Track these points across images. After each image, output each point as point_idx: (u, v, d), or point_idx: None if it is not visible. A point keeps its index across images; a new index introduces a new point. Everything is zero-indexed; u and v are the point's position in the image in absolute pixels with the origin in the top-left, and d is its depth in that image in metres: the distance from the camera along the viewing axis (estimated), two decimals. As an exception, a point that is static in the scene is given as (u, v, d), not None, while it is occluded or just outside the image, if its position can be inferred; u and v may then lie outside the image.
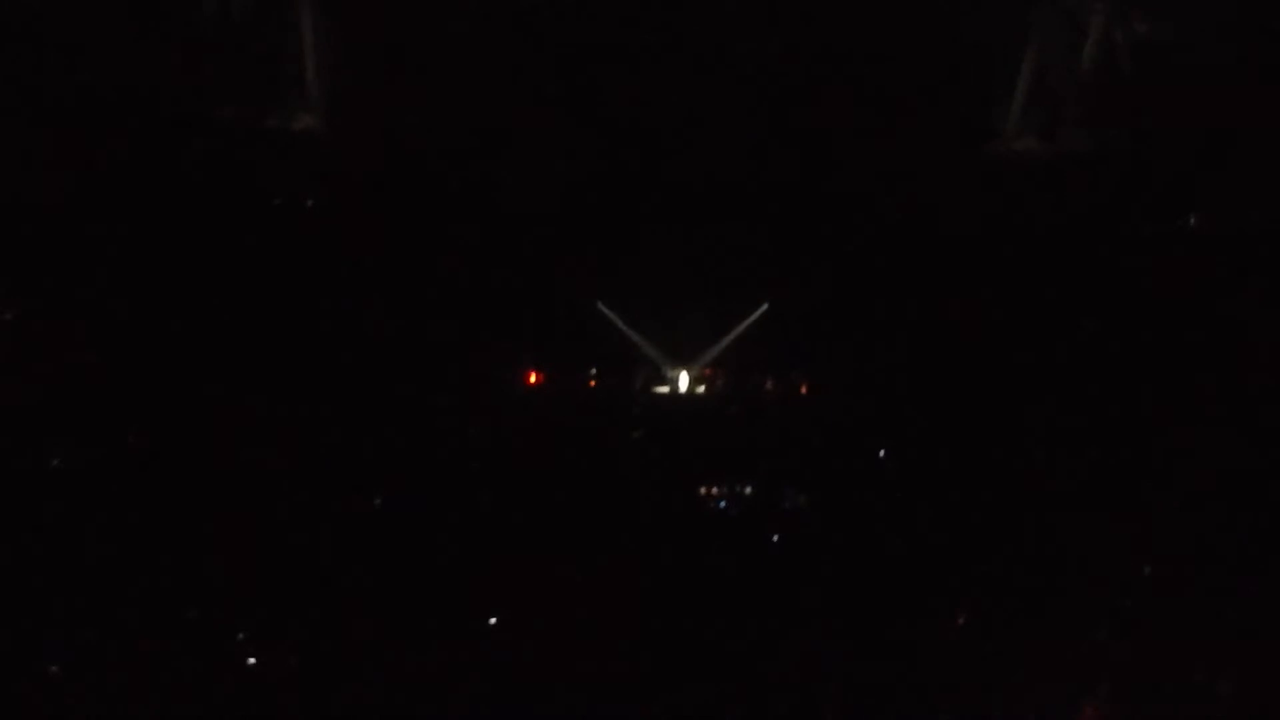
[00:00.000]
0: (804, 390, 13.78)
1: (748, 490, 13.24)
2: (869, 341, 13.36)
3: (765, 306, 13.66)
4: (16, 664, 10.22)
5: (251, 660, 11.15)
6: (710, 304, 13.74)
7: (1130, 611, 11.49)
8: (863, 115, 13.07)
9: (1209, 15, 12.41)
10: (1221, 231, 12.96)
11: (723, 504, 13.23)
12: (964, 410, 12.96)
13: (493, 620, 11.86)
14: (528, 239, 13.50)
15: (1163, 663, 10.87)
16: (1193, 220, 12.89)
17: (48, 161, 12.33)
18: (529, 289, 13.47)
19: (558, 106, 13.43)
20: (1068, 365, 12.87)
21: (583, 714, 11.06)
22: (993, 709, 10.94)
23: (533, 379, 13.76)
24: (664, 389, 13.96)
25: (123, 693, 10.41)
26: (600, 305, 13.66)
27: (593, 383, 13.96)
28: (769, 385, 13.87)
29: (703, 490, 13.30)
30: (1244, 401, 12.19)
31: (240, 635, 11.26)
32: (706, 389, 14.01)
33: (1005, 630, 11.61)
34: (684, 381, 14.00)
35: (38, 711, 10.12)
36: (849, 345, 13.45)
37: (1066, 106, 13.00)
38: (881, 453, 13.22)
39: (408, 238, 13.35)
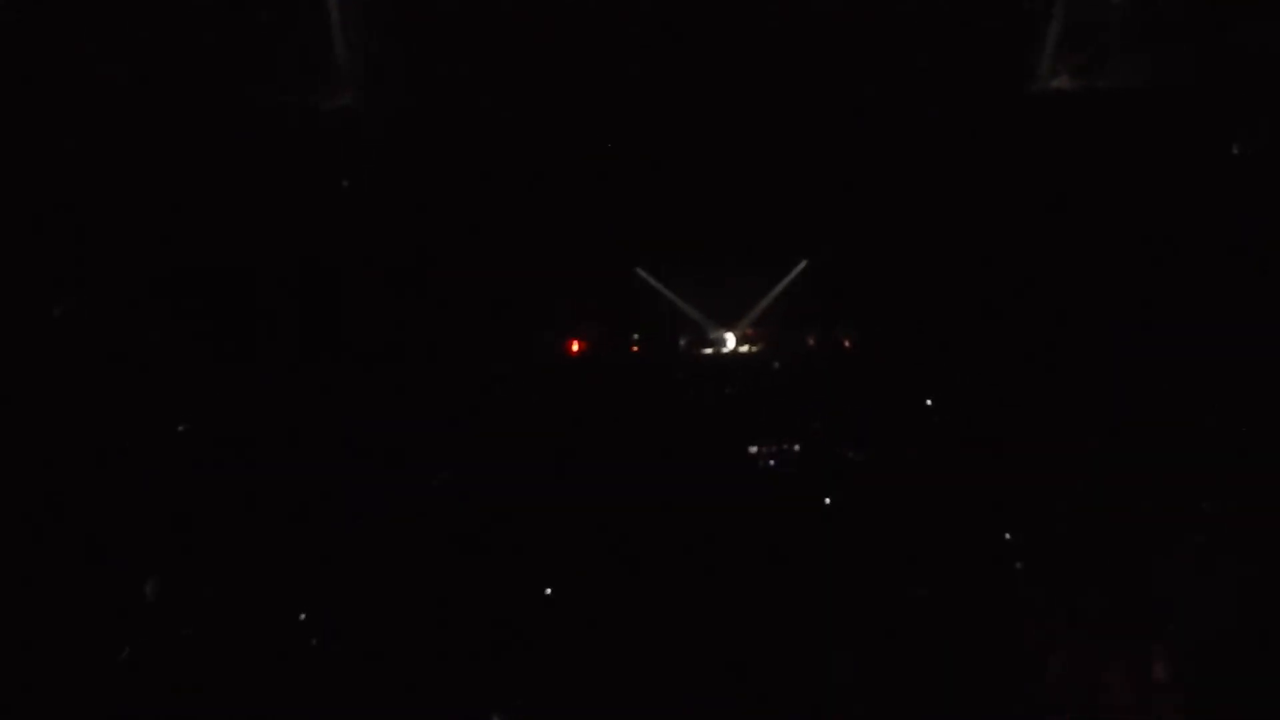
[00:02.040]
0: (847, 345, 13.73)
1: (797, 448, 13.21)
2: (910, 293, 13.25)
3: (804, 263, 13.59)
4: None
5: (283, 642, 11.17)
6: (749, 263, 13.69)
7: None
8: (893, 61, 12.89)
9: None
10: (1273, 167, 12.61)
11: (773, 463, 13.21)
12: (1011, 357, 12.83)
13: (547, 590, 11.92)
14: (563, 208, 13.47)
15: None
16: (1235, 150, 12.55)
17: (76, 151, 12.39)
18: (566, 259, 13.45)
19: (591, 71, 13.34)
20: (1119, 310, 12.68)
21: (635, 678, 11.11)
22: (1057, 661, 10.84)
23: (575, 348, 13.78)
24: (708, 350, 13.95)
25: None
26: (639, 270, 13.65)
27: (636, 349, 13.96)
28: (812, 342, 13.83)
29: (753, 450, 13.26)
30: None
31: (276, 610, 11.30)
32: (750, 349, 13.99)
33: (1064, 584, 11.47)
34: (730, 342, 13.98)
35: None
36: (890, 298, 13.36)
37: (1102, 42, 12.75)
38: (929, 402, 13.12)
39: (444, 212, 13.36)
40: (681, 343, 14.00)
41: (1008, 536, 12.04)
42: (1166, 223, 12.59)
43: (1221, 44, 12.32)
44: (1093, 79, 12.70)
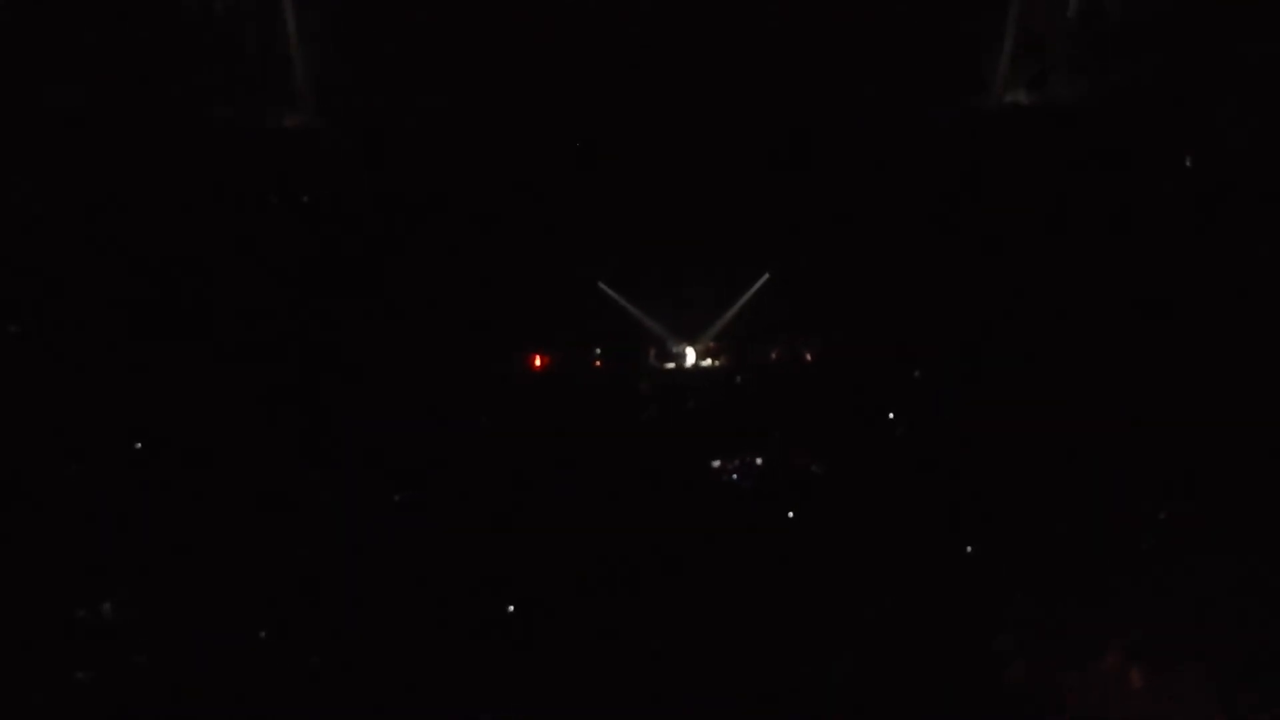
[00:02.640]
0: (809, 358, 13.78)
1: (760, 461, 13.22)
2: (871, 306, 13.32)
3: (766, 276, 13.65)
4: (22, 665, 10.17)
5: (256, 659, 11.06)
6: (711, 277, 13.73)
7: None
8: (849, 78, 13.01)
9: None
10: (1223, 179, 12.75)
11: (736, 476, 13.22)
12: (972, 368, 12.90)
13: (510, 608, 11.86)
14: (524, 223, 13.49)
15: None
16: (1188, 163, 12.69)
17: (36, 167, 12.37)
18: (528, 273, 13.45)
19: (550, 85, 13.40)
20: (1074, 320, 12.77)
21: (601, 700, 11.02)
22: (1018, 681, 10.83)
23: (537, 363, 13.78)
24: (670, 365, 13.98)
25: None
26: (601, 284, 13.67)
27: (598, 363, 13.97)
28: (774, 355, 13.87)
29: (716, 464, 13.27)
30: (1251, 349, 12.00)
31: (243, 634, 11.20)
32: (713, 362, 14.02)
33: (1026, 599, 11.47)
34: (690, 356, 14.01)
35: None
36: (852, 311, 13.42)
37: (1056, 55, 12.90)
38: (891, 414, 13.16)
39: (403, 229, 13.36)
40: (644, 357, 14.01)
41: (969, 549, 12.08)
42: (1123, 234, 12.75)
43: (1175, 56, 12.50)
44: (1047, 92, 12.86)
